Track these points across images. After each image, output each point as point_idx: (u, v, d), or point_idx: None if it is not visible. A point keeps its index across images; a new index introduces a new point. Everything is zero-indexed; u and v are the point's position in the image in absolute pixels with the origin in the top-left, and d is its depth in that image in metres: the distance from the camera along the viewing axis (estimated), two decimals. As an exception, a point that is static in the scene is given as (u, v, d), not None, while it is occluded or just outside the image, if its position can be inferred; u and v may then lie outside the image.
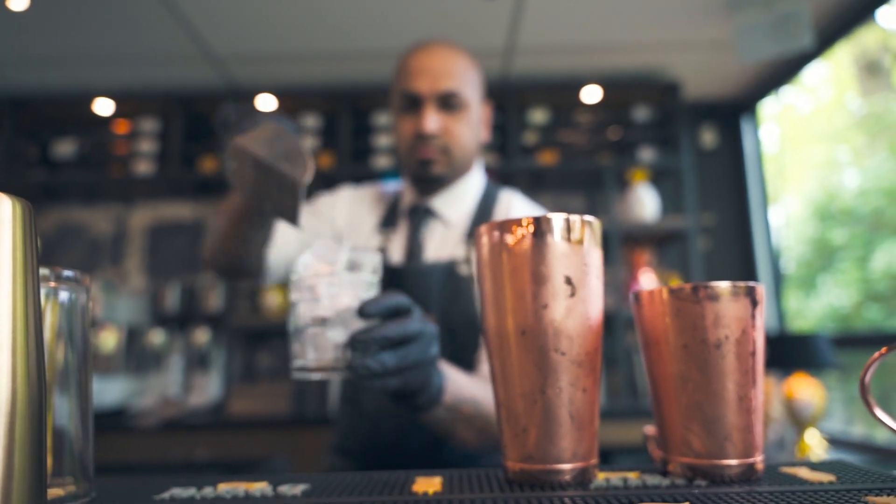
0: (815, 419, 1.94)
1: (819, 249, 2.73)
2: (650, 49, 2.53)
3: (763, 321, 0.47)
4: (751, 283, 0.46)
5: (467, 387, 0.73)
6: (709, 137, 2.98)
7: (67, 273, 0.46)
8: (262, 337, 2.85)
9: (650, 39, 2.45)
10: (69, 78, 2.71)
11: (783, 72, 2.64)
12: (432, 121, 0.96)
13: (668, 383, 0.48)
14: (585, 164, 2.69)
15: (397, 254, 1.01)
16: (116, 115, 2.84)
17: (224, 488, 0.47)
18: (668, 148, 2.69)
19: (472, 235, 0.98)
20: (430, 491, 0.41)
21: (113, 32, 2.34)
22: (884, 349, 0.45)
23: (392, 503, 0.40)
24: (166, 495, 0.46)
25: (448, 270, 0.96)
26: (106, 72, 2.66)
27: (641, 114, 2.75)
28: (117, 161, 2.79)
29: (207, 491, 0.46)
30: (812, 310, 2.75)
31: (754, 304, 0.46)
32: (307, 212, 1.06)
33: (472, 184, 1.06)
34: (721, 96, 2.94)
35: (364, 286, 0.59)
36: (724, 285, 0.46)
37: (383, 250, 1.02)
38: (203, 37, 2.38)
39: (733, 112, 2.98)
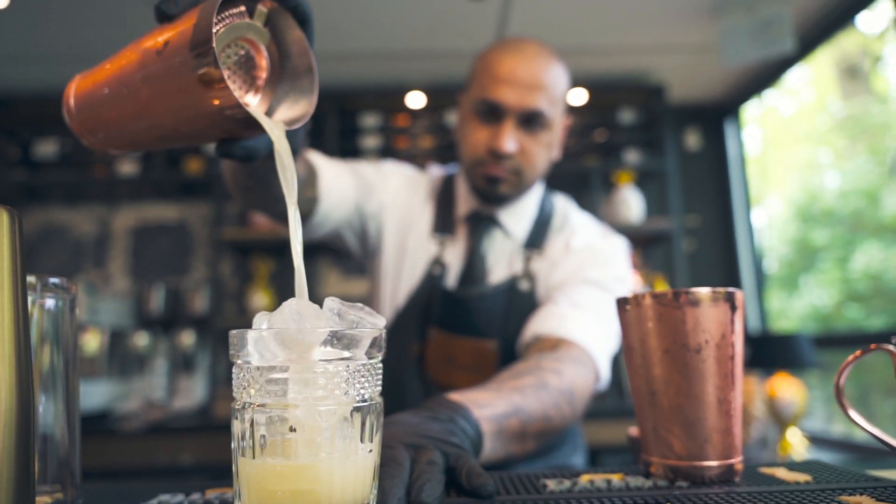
0: (796, 418, 1.98)
1: (800, 250, 2.77)
2: (636, 52, 2.55)
3: (742, 325, 0.48)
4: (730, 289, 0.47)
5: (500, 402, 0.62)
6: (693, 140, 3.02)
7: (54, 280, 0.46)
8: (248, 339, 2.82)
9: (636, 43, 2.48)
10: (50, 76, 2.67)
11: (766, 75, 2.68)
12: (511, 141, 0.87)
13: (650, 387, 0.49)
14: (572, 166, 2.71)
15: (455, 266, 0.94)
16: (100, 115, 2.81)
17: (212, 494, 0.48)
18: (652, 150, 2.72)
19: (529, 246, 0.95)
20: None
21: (93, 30, 2.31)
22: (858, 352, 0.46)
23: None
24: (154, 502, 0.46)
25: (509, 289, 0.91)
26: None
27: (627, 116, 2.78)
28: (100, 161, 2.76)
29: (195, 497, 0.47)
30: (794, 309, 2.79)
31: (733, 308, 0.47)
32: (352, 173, 0.93)
33: (535, 194, 1.00)
34: (705, 99, 2.98)
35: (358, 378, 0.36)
36: (704, 291, 0.47)
37: (438, 259, 0.94)
38: (188, 37, 2.36)
39: (717, 115, 3.02)
